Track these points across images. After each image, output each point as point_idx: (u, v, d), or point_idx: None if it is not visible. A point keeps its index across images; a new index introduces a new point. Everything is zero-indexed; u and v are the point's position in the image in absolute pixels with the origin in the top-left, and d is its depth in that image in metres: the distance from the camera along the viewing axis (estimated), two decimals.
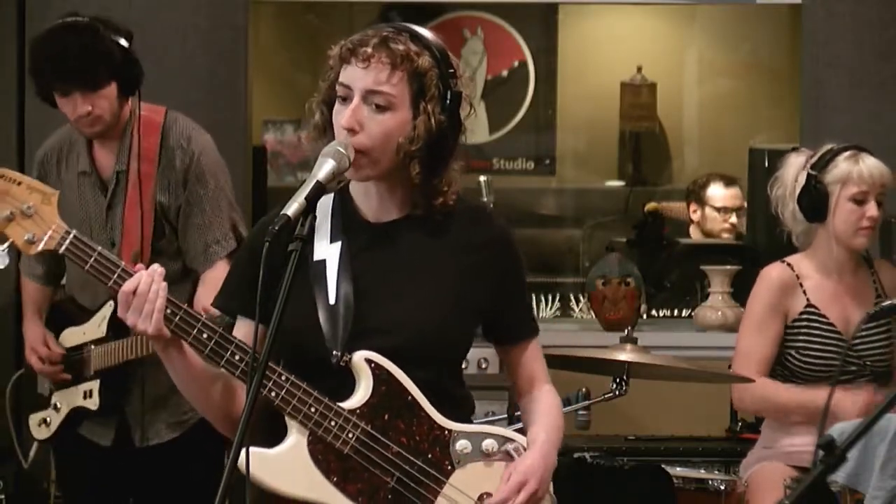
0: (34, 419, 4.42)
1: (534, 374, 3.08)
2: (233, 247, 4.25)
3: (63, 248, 2.93)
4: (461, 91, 2.90)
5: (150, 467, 4.30)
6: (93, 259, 2.90)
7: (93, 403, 4.25)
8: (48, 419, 4.37)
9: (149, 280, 2.83)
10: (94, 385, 4.26)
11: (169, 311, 2.83)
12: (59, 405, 4.34)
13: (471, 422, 3.02)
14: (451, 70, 2.88)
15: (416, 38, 2.87)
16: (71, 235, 2.93)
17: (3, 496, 5.34)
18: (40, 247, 2.94)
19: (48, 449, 4.65)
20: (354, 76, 2.84)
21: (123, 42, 4.15)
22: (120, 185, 4.24)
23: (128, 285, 2.83)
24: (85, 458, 4.36)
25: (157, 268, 2.86)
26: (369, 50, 2.83)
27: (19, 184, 2.95)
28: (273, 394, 2.81)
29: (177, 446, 4.28)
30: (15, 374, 4.59)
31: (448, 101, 2.87)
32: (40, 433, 4.41)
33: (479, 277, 2.94)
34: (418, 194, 2.92)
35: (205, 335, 2.84)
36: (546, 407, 3.05)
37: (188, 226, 4.23)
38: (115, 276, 2.87)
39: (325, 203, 2.95)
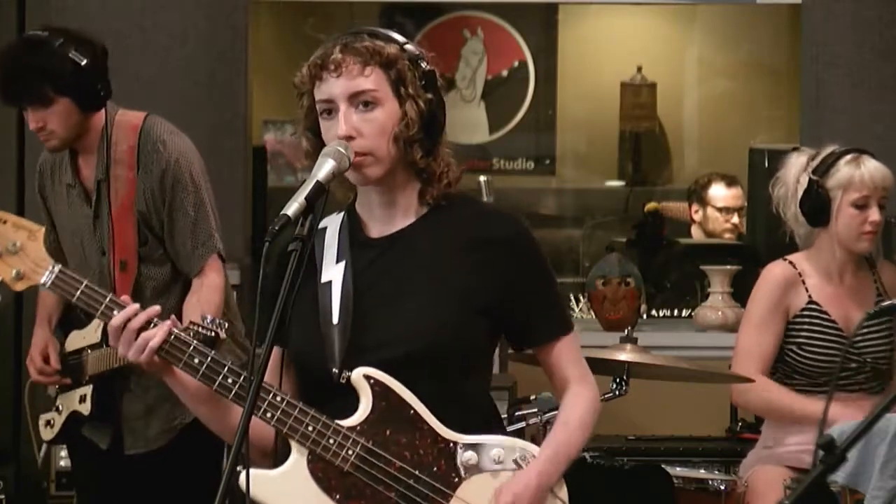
0: (42, 420, 4.43)
1: (565, 375, 2.99)
2: (218, 248, 4.24)
3: (50, 283, 3.04)
4: (433, 70, 2.92)
5: (147, 473, 4.29)
6: (79, 292, 3.00)
7: (85, 408, 4.25)
8: (52, 421, 4.38)
9: (143, 319, 2.87)
10: (88, 390, 4.26)
11: None
12: (60, 408, 4.35)
13: (496, 427, 2.99)
14: (417, 53, 2.91)
15: (373, 34, 2.90)
16: (56, 270, 3.04)
17: (3, 496, 5.34)
18: (28, 283, 3.05)
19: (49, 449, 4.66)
20: (332, 87, 2.86)
21: (81, 58, 4.11)
22: (102, 193, 4.23)
23: (117, 320, 2.89)
24: (93, 460, 4.36)
25: (156, 309, 2.90)
26: (337, 57, 2.86)
27: (5, 222, 3.07)
28: (269, 415, 2.81)
29: (171, 453, 4.26)
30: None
31: (425, 81, 2.89)
32: (46, 434, 4.42)
33: (486, 275, 2.91)
34: (423, 184, 2.92)
35: (196, 360, 2.86)
36: (567, 415, 2.98)
37: (174, 231, 4.21)
38: (103, 307, 2.95)
39: (335, 224, 2.97)
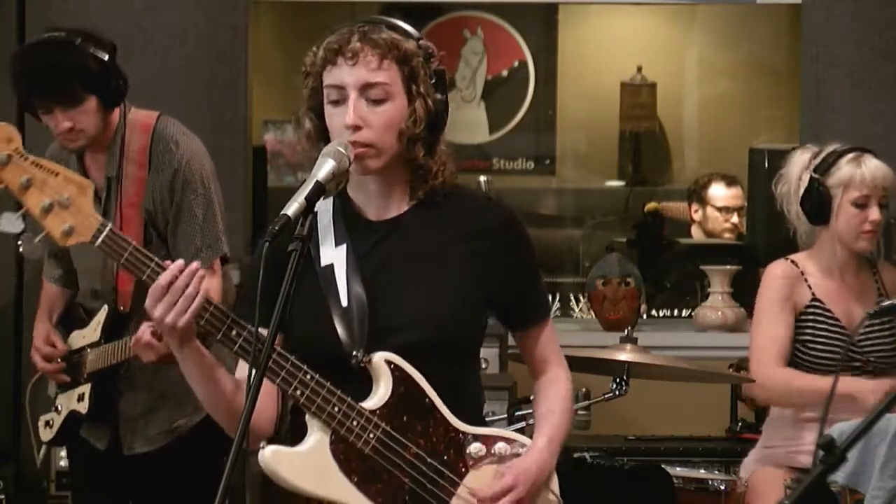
0: (41, 420, 4.43)
1: (546, 357, 3.07)
2: (223, 251, 4.24)
3: (99, 240, 2.89)
4: (444, 69, 2.93)
5: (145, 473, 4.29)
6: (128, 253, 2.87)
7: (83, 407, 4.24)
8: (51, 421, 4.38)
9: (186, 279, 2.79)
10: (86, 389, 4.26)
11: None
12: (60, 407, 4.35)
13: (482, 417, 3.03)
14: (431, 51, 2.92)
15: (392, 27, 2.91)
16: (107, 228, 2.89)
17: (3, 496, 5.34)
18: (77, 238, 2.89)
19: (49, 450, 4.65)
20: (345, 74, 2.86)
21: (103, 55, 4.12)
22: (112, 191, 4.22)
23: (163, 279, 2.80)
24: (90, 460, 4.36)
25: (196, 266, 2.82)
26: (356, 45, 2.85)
27: (57, 175, 2.90)
28: (298, 392, 2.81)
29: (172, 453, 4.26)
30: (34, 378, 4.58)
31: (435, 80, 2.90)
32: (45, 434, 4.42)
33: (487, 265, 2.94)
34: (417, 179, 2.94)
35: (234, 332, 2.82)
36: (552, 402, 3.04)
37: (178, 231, 4.20)
38: (150, 269, 2.85)
39: (326, 208, 2.96)
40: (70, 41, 4.11)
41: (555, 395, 3.05)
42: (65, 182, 2.90)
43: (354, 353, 2.85)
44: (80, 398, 4.27)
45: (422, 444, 2.88)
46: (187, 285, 2.79)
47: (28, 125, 5.62)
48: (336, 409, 2.82)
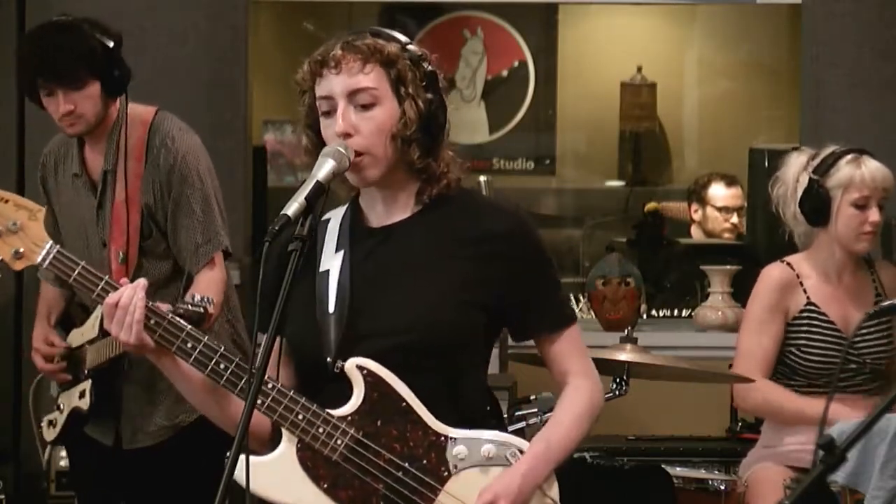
0: (45, 421, 4.44)
1: (565, 368, 3.00)
2: (224, 245, 4.24)
3: (47, 262, 3.05)
4: (435, 70, 2.92)
5: (148, 469, 4.29)
6: (76, 273, 3.02)
7: (85, 403, 4.25)
8: (54, 420, 4.39)
9: (131, 293, 2.89)
10: (87, 385, 4.26)
11: (152, 321, 2.88)
12: (62, 406, 4.36)
13: (493, 422, 2.98)
14: (420, 53, 2.91)
15: (376, 34, 2.91)
16: (55, 250, 3.05)
17: (2, 496, 5.34)
18: (26, 262, 3.07)
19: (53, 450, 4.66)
20: (331, 84, 2.87)
21: (108, 42, 4.15)
22: (108, 184, 4.24)
23: (111, 298, 2.90)
24: (93, 458, 4.37)
25: (141, 281, 2.92)
26: (338, 53, 2.87)
27: (6, 202, 3.09)
28: (259, 401, 2.81)
29: (174, 448, 4.27)
30: (36, 378, 4.58)
31: (426, 82, 2.89)
32: (49, 434, 4.43)
33: (484, 269, 2.90)
34: (422, 183, 2.93)
35: (189, 345, 2.87)
36: (564, 409, 2.99)
37: (177, 227, 4.21)
38: (99, 288, 2.96)
39: (338, 215, 2.98)
40: (77, 25, 4.15)
41: (567, 405, 2.99)
42: (14, 208, 3.08)
43: (328, 359, 2.85)
44: (82, 395, 4.27)
45: (398, 450, 2.85)
46: (132, 301, 2.88)
47: (28, 122, 5.64)
48: (300, 416, 2.83)
